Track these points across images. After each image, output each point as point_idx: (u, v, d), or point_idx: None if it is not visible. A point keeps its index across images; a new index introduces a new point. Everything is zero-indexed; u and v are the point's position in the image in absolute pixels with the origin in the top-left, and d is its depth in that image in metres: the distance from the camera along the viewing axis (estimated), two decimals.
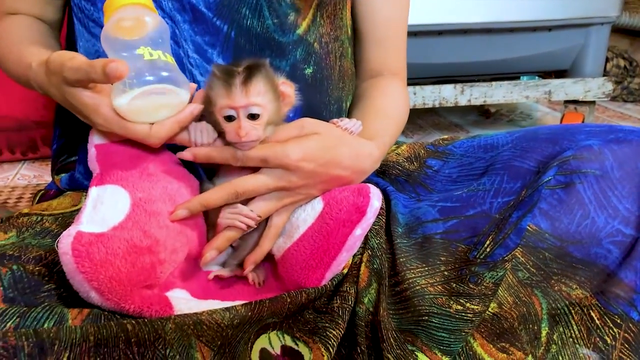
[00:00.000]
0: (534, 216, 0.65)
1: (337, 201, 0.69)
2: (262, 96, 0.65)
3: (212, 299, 0.66)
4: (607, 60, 2.50)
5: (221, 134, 0.67)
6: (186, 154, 0.66)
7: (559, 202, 0.65)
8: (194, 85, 0.70)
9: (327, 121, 0.73)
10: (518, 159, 0.72)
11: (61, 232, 0.59)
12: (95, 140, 0.68)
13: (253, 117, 0.65)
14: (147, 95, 0.62)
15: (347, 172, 0.70)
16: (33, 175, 1.69)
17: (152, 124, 0.64)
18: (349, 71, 0.88)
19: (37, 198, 0.88)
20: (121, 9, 0.63)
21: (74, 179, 0.83)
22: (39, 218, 0.72)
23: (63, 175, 0.85)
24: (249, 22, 0.76)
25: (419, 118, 2.19)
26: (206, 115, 0.67)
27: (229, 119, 0.65)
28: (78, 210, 0.74)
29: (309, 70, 0.80)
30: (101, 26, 0.74)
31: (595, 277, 0.64)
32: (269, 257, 0.73)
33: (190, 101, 0.67)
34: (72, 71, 0.61)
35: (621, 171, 0.65)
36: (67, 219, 0.73)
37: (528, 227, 0.65)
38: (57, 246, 0.56)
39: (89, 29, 0.77)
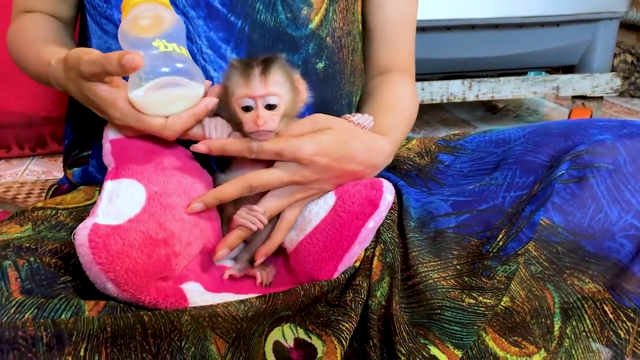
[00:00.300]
0: (547, 210, 0.65)
1: (350, 195, 0.69)
2: (280, 86, 0.66)
3: (226, 292, 0.67)
4: (614, 55, 2.50)
5: (237, 127, 0.68)
6: (200, 147, 0.67)
7: (572, 196, 0.65)
8: (209, 82, 0.70)
9: (338, 115, 0.74)
10: (530, 154, 0.72)
11: (76, 226, 0.59)
12: (110, 136, 0.69)
13: (270, 107, 0.66)
14: (163, 87, 0.62)
15: (360, 166, 0.70)
16: (42, 170, 1.70)
17: (168, 117, 0.65)
18: (359, 66, 0.88)
19: (51, 192, 0.89)
20: (138, 6, 0.64)
21: (88, 172, 0.84)
22: (54, 212, 0.73)
23: (75, 169, 0.86)
24: (262, 16, 0.76)
25: (426, 114, 2.19)
26: (222, 108, 0.68)
27: (247, 109, 0.66)
28: (92, 204, 0.75)
29: (320, 65, 0.81)
30: (114, 23, 0.75)
31: (608, 271, 0.64)
32: (281, 250, 0.73)
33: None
34: (88, 64, 0.62)
35: (634, 165, 0.65)
36: (81, 213, 0.74)
37: (541, 221, 0.65)
38: (73, 238, 0.57)
39: (101, 26, 0.77)
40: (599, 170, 0.65)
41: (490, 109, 2.25)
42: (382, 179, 0.71)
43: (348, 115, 0.73)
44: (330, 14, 0.81)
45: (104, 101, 0.64)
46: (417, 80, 1.67)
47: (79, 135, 0.89)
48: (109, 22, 0.77)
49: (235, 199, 0.68)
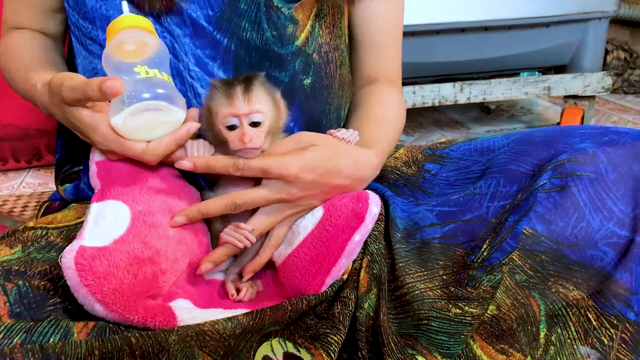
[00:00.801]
0: (530, 219, 0.66)
1: (337, 208, 0.70)
2: (264, 104, 0.67)
3: (215, 307, 0.68)
4: (607, 52, 2.50)
5: (222, 147, 0.69)
6: (185, 163, 0.67)
7: (554, 205, 0.66)
8: (194, 110, 0.71)
9: (326, 130, 0.74)
10: (514, 162, 0.72)
11: (66, 246, 0.60)
12: (95, 157, 0.70)
13: (255, 124, 0.67)
14: (143, 112, 0.64)
15: (347, 181, 0.71)
16: (38, 183, 1.70)
17: (150, 141, 0.66)
18: (347, 79, 0.89)
19: (42, 210, 0.89)
20: (123, 31, 0.65)
21: (79, 189, 0.84)
22: (44, 232, 0.73)
23: (67, 185, 0.87)
24: (248, 34, 0.77)
25: (419, 116, 2.20)
26: (206, 129, 0.69)
27: (232, 128, 0.67)
28: (82, 222, 0.76)
29: (307, 81, 0.81)
30: (99, 44, 0.76)
31: (592, 279, 0.65)
32: (270, 264, 0.74)
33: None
34: (70, 90, 0.63)
35: (615, 173, 0.66)
36: (71, 232, 0.74)
37: (524, 231, 0.65)
38: (60, 261, 0.58)
39: (86, 47, 0.78)
40: (580, 178, 0.66)
41: (484, 110, 2.26)
42: (369, 192, 0.71)
43: (333, 130, 0.74)
44: (317, 30, 0.82)
45: (87, 126, 0.65)
46: (409, 84, 1.68)
47: (70, 150, 0.90)
48: (94, 42, 0.77)
49: (219, 215, 0.69)
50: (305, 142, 0.70)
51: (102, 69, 0.73)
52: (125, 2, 0.70)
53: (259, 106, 0.67)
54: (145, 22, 0.68)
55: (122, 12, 0.70)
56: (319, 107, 0.83)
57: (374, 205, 0.69)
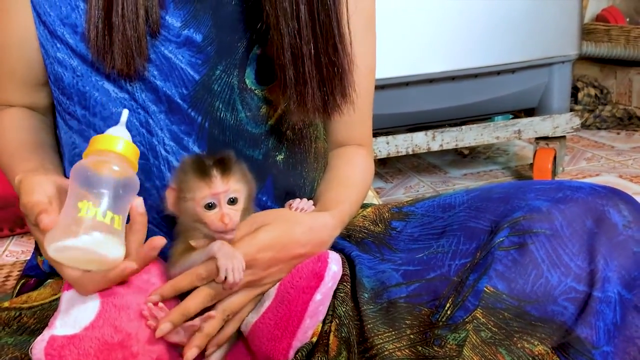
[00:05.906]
0: (490, 278, 0.67)
1: (298, 270, 0.72)
2: (239, 182, 0.70)
3: None
4: (578, 89, 2.57)
5: (193, 230, 0.70)
6: (153, 297, 0.68)
7: (513, 263, 0.68)
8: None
9: None
10: (473, 220, 0.74)
11: (38, 328, 0.61)
12: None
13: (232, 202, 0.69)
14: (74, 250, 0.62)
15: (305, 248, 0.73)
16: (21, 250, 1.70)
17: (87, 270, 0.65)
18: (322, 150, 0.90)
19: (18, 287, 0.90)
20: (99, 152, 0.65)
21: None
22: (17, 313, 0.74)
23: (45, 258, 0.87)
24: (222, 114, 0.78)
25: (398, 162, 2.23)
26: (181, 210, 0.70)
27: (210, 207, 0.68)
28: (58, 299, 0.77)
29: (280, 157, 0.82)
30: (77, 119, 0.77)
31: (555, 333, 0.66)
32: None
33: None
34: (21, 206, 0.65)
35: (570, 229, 0.68)
36: (45, 311, 0.75)
37: (485, 289, 0.67)
38: (30, 352, 0.59)
39: (66, 122, 0.79)
40: (537, 235, 0.68)
41: (460, 153, 2.30)
42: (329, 251, 0.73)
43: (289, 201, 0.77)
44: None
45: (38, 240, 0.68)
46: (382, 134, 1.72)
47: None
48: (72, 117, 0.78)
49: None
50: (259, 223, 0.72)
51: (80, 144, 0.75)
52: (126, 110, 0.69)
53: (236, 185, 0.69)
54: (132, 153, 0.66)
55: (97, 88, 0.71)
56: (293, 181, 0.84)
57: (334, 263, 0.71)
